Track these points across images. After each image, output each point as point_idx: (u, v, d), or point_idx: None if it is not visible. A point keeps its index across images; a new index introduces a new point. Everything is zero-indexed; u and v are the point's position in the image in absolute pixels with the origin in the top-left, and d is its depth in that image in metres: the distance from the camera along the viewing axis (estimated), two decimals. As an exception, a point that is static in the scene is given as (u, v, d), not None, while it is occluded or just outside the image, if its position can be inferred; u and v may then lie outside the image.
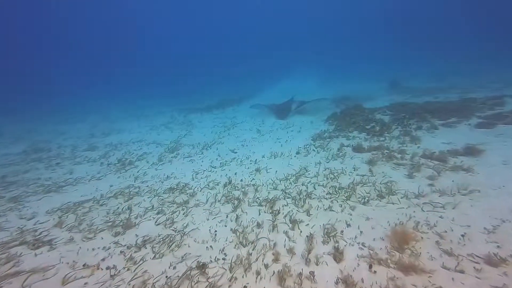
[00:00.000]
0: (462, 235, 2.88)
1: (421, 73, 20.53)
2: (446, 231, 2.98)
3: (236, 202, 3.99)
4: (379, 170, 4.77)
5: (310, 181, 4.54)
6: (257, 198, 4.08)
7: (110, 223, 3.64)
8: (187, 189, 4.62)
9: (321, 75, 22.19)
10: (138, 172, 5.71)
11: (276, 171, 5.17)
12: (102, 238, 3.36)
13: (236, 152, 6.61)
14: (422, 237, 2.91)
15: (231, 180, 4.83)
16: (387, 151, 5.50)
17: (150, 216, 3.77)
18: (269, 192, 4.28)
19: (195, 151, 6.90)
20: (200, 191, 4.53)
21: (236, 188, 4.51)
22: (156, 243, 3.12)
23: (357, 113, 8.95)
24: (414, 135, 6.34)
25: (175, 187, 4.72)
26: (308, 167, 5.26)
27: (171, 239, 3.15)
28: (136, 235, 3.32)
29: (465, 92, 11.45)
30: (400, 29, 45.79)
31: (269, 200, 3.94)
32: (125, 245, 3.16)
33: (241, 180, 4.84)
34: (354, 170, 4.88)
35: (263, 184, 4.59)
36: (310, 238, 2.99)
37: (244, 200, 4.06)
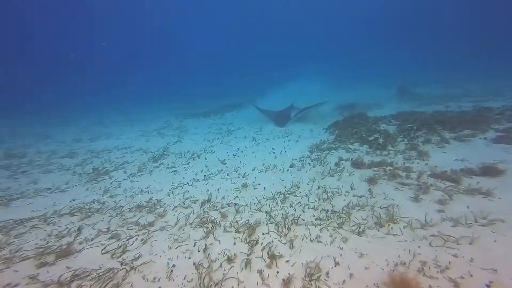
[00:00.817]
0: (487, 285, 2.25)
1: (432, 78, 19.74)
2: (463, 277, 2.35)
3: (210, 226, 3.43)
4: (379, 190, 4.16)
5: (300, 202, 3.96)
6: (236, 222, 3.52)
7: (42, 249, 3.06)
8: (158, 207, 4.09)
9: (329, 80, 21.60)
10: (111, 184, 5.22)
11: (265, 187, 4.61)
12: (16, 271, 2.74)
13: (225, 163, 6.08)
14: (430, 286, 2.30)
15: (210, 198, 4.28)
16: (390, 168, 4.88)
17: (99, 241, 3.22)
18: (251, 214, 3.71)
19: (181, 161, 6.40)
20: (173, 209, 3.99)
21: (215, 208, 3.96)
22: (89, 280, 2.53)
23: (360, 122, 8.33)
24: (421, 149, 5.69)
25: (145, 204, 4.20)
26: (300, 183, 4.68)
27: (112, 275, 2.59)
28: (68, 268, 2.74)
29: (480, 100, 10.70)
30: (412, 32, 44.93)
31: (249, 226, 3.37)
32: (44, 281, 2.55)
33: (223, 198, 4.29)
34: (351, 190, 4.27)
35: (246, 204, 4.03)
36: (287, 282, 2.41)
37: (221, 224, 3.50)
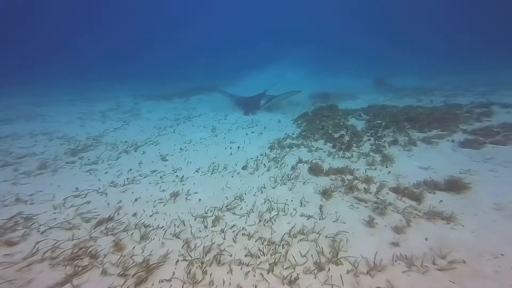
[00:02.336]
0: None
1: (411, 70, 19.50)
2: None
3: (84, 263, 2.54)
4: (332, 208, 3.55)
5: (236, 224, 3.25)
6: (131, 257, 2.68)
7: None
8: (20, 228, 3.06)
9: (309, 67, 20.73)
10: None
11: (200, 199, 3.84)
12: None
13: (166, 160, 5.21)
14: None
15: (115, 214, 3.41)
16: (350, 178, 4.29)
17: None
18: (162, 243, 2.89)
19: (109, 155, 5.38)
20: (42, 232, 3.01)
21: (113, 232, 3.06)
22: None
23: (330, 115, 7.69)
24: (387, 153, 5.16)
25: (4, 222, 3.15)
26: (246, 194, 3.97)
27: None
28: None
29: (451, 95, 10.44)
30: (397, 25, 44.30)
31: (146, 265, 2.50)
32: None
33: (134, 215, 3.42)
34: (300, 206, 3.63)
35: (162, 226, 3.17)
36: None
37: (103, 261, 2.58)
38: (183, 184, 4.23)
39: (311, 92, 12.03)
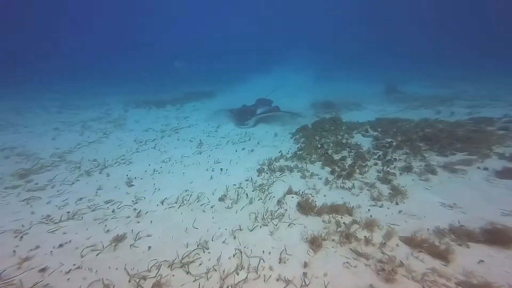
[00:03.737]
0: None
1: (425, 75, 18.22)
2: None
3: None
4: (321, 267, 2.66)
5: (184, 294, 2.40)
6: None
7: None
8: None
9: (315, 70, 19.86)
10: None
11: (151, 246, 3.00)
12: None
13: (132, 186, 4.42)
14: None
15: (1, 273, 2.59)
16: (348, 220, 3.37)
17: None
18: None
19: (65, 178, 4.61)
20: None
21: None
22: None
23: (331, 130, 6.76)
24: (397, 183, 4.20)
25: None
26: (213, 240, 3.13)
27: None
28: None
29: (476, 106, 9.26)
30: (409, 26, 42.82)
31: None
32: None
33: (42, 270, 2.55)
34: (279, 263, 2.75)
35: None
36: None
37: None
38: (138, 222, 3.42)
39: (314, 100, 11.11)
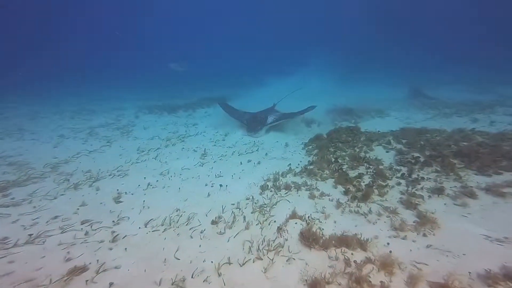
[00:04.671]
0: None
1: (457, 78, 16.71)
2: None
3: None
4: (320, 332, 2.06)
5: None
6: None
7: None
8: None
9: (338, 73, 18.95)
10: None
11: (113, 282, 2.55)
12: None
13: (119, 203, 4.04)
14: None
15: None
16: (358, 261, 2.72)
17: None
18: None
19: (48, 192, 4.31)
20: None
21: None
22: None
23: (348, 141, 6.06)
24: (425, 209, 3.47)
25: None
26: (194, 277, 2.63)
27: None
28: None
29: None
30: (436, 28, 40.22)
31: None
32: None
33: None
34: (267, 319, 2.19)
35: None
36: None
37: None
38: (110, 249, 3.00)
39: (332, 106, 10.35)
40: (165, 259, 2.85)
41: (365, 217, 3.48)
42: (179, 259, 2.87)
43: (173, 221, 3.54)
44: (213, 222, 3.52)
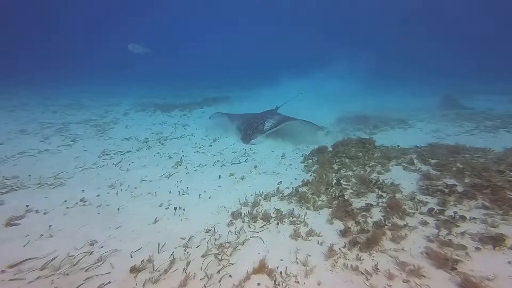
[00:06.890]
0: None
1: (498, 86, 14.60)
2: None
3: None
4: None
5: None
6: None
7: None
8: None
9: (362, 78, 17.35)
10: None
11: None
12: None
13: (13, 225, 2.96)
14: None
15: None
16: None
17: None
18: None
19: None
20: None
21: None
22: None
23: (358, 156, 4.71)
24: (471, 273, 2.10)
25: None
26: None
27: None
28: None
29: None
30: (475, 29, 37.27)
31: None
32: None
33: None
34: None
35: None
36: None
37: None
38: None
39: (345, 113, 8.95)
40: None
41: (367, 279, 2.18)
42: None
43: (69, 264, 2.40)
44: (133, 270, 2.35)
